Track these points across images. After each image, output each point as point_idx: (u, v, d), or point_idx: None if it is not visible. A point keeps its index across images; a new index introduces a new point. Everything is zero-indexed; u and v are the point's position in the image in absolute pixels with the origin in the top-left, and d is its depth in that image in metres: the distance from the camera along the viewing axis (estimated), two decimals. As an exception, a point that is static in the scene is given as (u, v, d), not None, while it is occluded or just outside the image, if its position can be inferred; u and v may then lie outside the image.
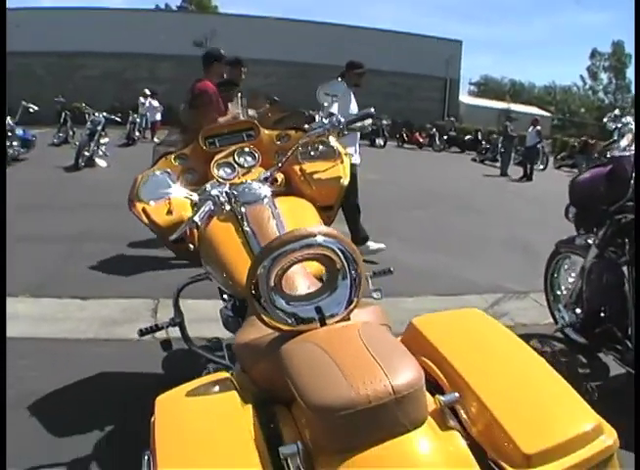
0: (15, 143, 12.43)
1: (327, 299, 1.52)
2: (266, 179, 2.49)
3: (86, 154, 12.41)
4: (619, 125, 3.55)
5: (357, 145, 6.06)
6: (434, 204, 6.25)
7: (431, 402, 1.37)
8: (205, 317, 3.50)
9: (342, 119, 2.66)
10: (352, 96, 6.05)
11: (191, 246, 2.56)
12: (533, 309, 4.70)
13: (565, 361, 3.74)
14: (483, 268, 5.74)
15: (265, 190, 2.36)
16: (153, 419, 1.41)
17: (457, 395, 1.36)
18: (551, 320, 4.19)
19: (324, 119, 2.68)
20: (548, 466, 1.20)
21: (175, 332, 2.59)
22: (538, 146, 16.01)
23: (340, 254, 1.50)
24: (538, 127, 16.40)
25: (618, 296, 3.33)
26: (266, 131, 2.87)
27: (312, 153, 2.71)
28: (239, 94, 6.02)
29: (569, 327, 3.81)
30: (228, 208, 2.34)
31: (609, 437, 1.27)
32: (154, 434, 1.35)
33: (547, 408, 1.32)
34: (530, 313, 4.64)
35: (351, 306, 1.54)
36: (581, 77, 55.82)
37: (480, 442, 1.31)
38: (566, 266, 4.09)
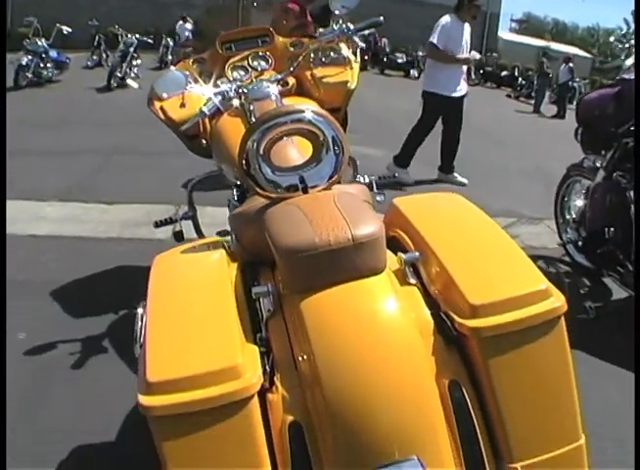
0: (49, 65, 12.56)
1: (311, 171, 1.67)
2: (277, 82, 2.62)
3: (118, 75, 12.52)
4: (627, 46, 3.51)
5: (463, 78, 6.09)
6: (462, 135, 6.29)
7: (394, 261, 1.52)
8: (220, 223, 3.67)
9: (352, 26, 2.74)
10: (467, 28, 6.07)
11: (204, 141, 2.74)
12: (545, 235, 4.76)
13: (567, 282, 3.82)
14: (502, 195, 5.73)
15: (274, 88, 2.50)
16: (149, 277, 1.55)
17: (417, 254, 1.50)
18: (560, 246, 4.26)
19: (334, 26, 2.77)
20: (493, 318, 1.30)
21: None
22: (571, 84, 15.70)
23: (326, 131, 1.64)
24: (570, 65, 16.03)
25: (622, 218, 3.35)
26: (280, 38, 2.98)
27: (323, 59, 2.84)
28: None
29: (571, 244, 3.87)
30: (237, 103, 2.50)
31: (556, 300, 1.36)
32: (148, 290, 1.48)
33: (499, 270, 1.43)
34: (542, 238, 4.70)
35: (333, 180, 1.68)
36: (625, 21, 53.42)
37: (436, 298, 1.44)
38: (576, 190, 4.11)
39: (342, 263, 1.35)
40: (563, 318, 1.36)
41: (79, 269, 3.60)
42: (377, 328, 1.31)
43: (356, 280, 1.35)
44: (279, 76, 2.66)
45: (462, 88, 5.98)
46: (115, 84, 12.34)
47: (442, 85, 5.90)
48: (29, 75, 11.78)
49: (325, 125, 1.64)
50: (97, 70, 15.09)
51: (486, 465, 1.32)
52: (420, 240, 1.55)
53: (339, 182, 1.76)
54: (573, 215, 4.06)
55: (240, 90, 2.52)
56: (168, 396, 1.17)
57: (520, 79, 18.91)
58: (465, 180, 6.21)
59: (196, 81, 2.69)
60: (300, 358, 1.33)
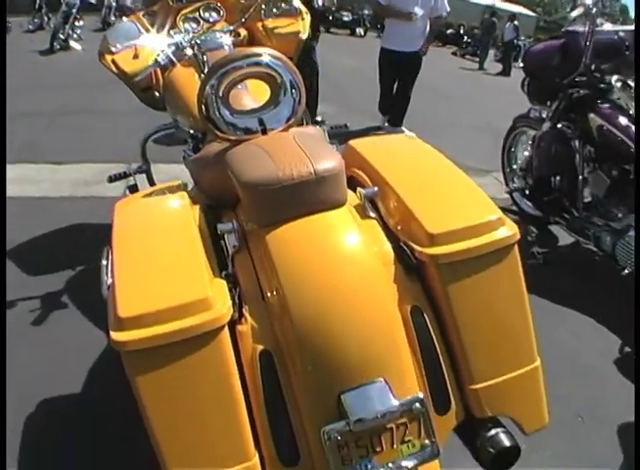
0: (-12, 29, 12.07)
1: (269, 113, 1.70)
2: (230, 33, 2.61)
3: (61, 37, 12.11)
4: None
5: (419, 34, 6.11)
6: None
7: (354, 198, 1.58)
8: (174, 178, 3.67)
9: None
10: None
11: (156, 93, 2.73)
12: (492, 186, 4.86)
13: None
14: (449, 149, 5.75)
15: (227, 39, 2.51)
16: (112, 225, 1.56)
17: (376, 189, 1.56)
18: (508, 196, 4.35)
19: None
20: (450, 246, 1.38)
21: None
22: (516, 42, 15.91)
23: (283, 74, 1.67)
24: (515, 23, 16.22)
25: (568, 166, 3.47)
26: None
27: (274, 10, 2.84)
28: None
29: (517, 192, 3.98)
30: (190, 53, 2.49)
31: (509, 230, 1.44)
32: (112, 234, 1.49)
33: (455, 202, 1.50)
34: (489, 189, 4.70)
35: (291, 122, 1.72)
36: (571, -20, 53.75)
37: (395, 230, 1.51)
38: (522, 141, 4.20)
39: (305, 197, 1.40)
40: (516, 247, 1.44)
41: (33, 229, 3.56)
42: (340, 258, 1.37)
43: (319, 213, 1.41)
44: (231, 28, 2.65)
45: (416, 44, 6.05)
46: (58, 47, 11.94)
47: (395, 41, 6.04)
48: (-33, 41, 11.32)
49: (282, 69, 1.67)
50: (39, 34, 14.54)
51: (448, 386, 1.41)
52: (377, 177, 1.60)
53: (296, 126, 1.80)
54: (520, 165, 4.15)
55: (193, 41, 2.51)
56: (140, 330, 1.20)
57: (465, 38, 19.04)
58: (412, 134, 6.27)
59: (148, 33, 2.68)
60: (268, 290, 1.38)
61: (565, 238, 3.76)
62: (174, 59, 2.53)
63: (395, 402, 1.27)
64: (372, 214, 1.55)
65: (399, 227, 1.50)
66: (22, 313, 2.73)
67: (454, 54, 17.40)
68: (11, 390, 2.25)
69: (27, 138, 5.48)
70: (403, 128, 6.42)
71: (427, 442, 1.32)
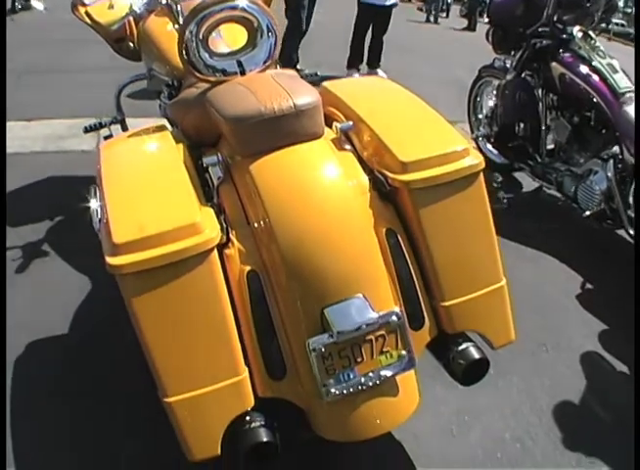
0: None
1: (247, 55, 1.79)
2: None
3: (23, -4, 11.79)
4: None
5: None
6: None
7: (330, 133, 1.67)
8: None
9: None
10: None
11: (131, 44, 2.76)
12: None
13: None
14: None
15: None
16: (98, 164, 1.62)
17: (351, 123, 1.65)
18: (474, 145, 4.46)
19: None
20: (421, 172, 1.49)
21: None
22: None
23: (260, 18, 1.74)
24: None
25: (531, 114, 3.57)
26: None
27: None
28: None
29: (483, 138, 4.08)
30: (164, 2, 2.52)
31: (475, 159, 1.55)
32: (99, 172, 1.56)
33: (425, 133, 1.61)
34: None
35: (267, 63, 1.81)
36: None
37: (369, 161, 1.61)
38: (488, 91, 4.27)
39: (286, 129, 1.50)
40: (481, 175, 1.56)
41: (9, 183, 3.54)
42: (319, 185, 1.47)
43: (299, 144, 1.51)
44: None
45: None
46: (20, 6, 11.56)
47: None
48: None
49: (259, 13, 1.74)
50: (-1, -6, 14.14)
51: (422, 303, 1.53)
52: (351, 113, 1.70)
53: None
54: (486, 113, 4.22)
55: None
56: (134, 254, 1.28)
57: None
58: (384, 75, 6.69)
59: None
60: (253, 216, 1.48)
61: (529, 184, 3.88)
62: (149, 8, 2.56)
63: (374, 315, 1.39)
64: (347, 147, 1.65)
65: (373, 158, 1.60)
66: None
67: (420, 9, 17.21)
68: None
69: (-7, 97, 5.41)
70: (379, 70, 6.90)
71: (403, 352, 1.44)
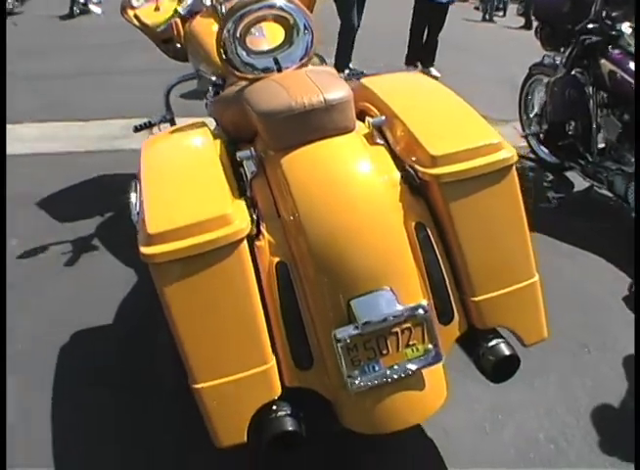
0: (8, -4, 12.17)
1: (284, 53, 1.83)
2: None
3: (81, 1, 12.14)
4: None
5: None
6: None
7: (363, 128, 1.68)
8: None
9: None
10: None
11: (178, 45, 2.83)
12: (512, 136, 4.81)
13: (533, 176, 4.01)
14: (469, 98, 5.81)
15: None
16: (140, 159, 1.67)
17: (384, 118, 1.66)
18: (526, 144, 4.34)
19: None
20: (451, 166, 1.48)
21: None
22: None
23: (296, 16, 1.77)
24: None
25: (582, 112, 3.48)
26: None
27: None
28: None
29: (533, 136, 4.01)
30: (209, 3, 2.58)
31: (507, 152, 1.53)
32: (140, 167, 1.62)
33: (457, 128, 1.60)
34: (508, 138, 4.78)
35: (304, 61, 1.85)
36: None
37: (401, 155, 1.61)
38: (539, 88, 4.20)
39: (316, 123, 1.52)
40: (514, 168, 1.54)
41: (63, 181, 3.71)
42: (349, 178, 1.48)
43: (329, 138, 1.53)
44: None
45: None
46: (78, 11, 11.94)
47: None
48: (-11, 8, 11.44)
49: (296, 11, 1.78)
50: (58, -1, 14.65)
51: (451, 298, 1.52)
52: (385, 108, 1.70)
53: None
54: (536, 111, 4.14)
55: None
56: (167, 244, 1.33)
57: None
58: (438, 74, 6.81)
59: None
60: (283, 209, 1.50)
61: (581, 184, 3.78)
62: (195, 9, 2.63)
63: (400, 307, 1.40)
64: (379, 141, 1.66)
65: (405, 152, 1.60)
66: (53, 256, 2.90)
67: (477, 9, 16.96)
68: (41, 320, 2.45)
69: (53, 98, 5.60)
70: (432, 69, 6.89)
71: (430, 346, 1.44)
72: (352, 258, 1.41)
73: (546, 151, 3.99)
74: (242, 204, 1.49)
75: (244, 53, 1.80)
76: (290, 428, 1.38)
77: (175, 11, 2.52)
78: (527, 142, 4.19)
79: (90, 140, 4.45)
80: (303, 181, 1.48)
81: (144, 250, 1.34)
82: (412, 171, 1.54)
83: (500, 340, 1.54)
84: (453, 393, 1.95)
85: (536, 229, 3.14)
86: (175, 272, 1.34)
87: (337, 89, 1.56)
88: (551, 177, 4.02)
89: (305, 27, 1.81)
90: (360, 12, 6.57)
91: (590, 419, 1.99)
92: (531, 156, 4.24)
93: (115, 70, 6.56)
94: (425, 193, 1.54)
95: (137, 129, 2.89)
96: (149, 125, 2.90)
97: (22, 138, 4.61)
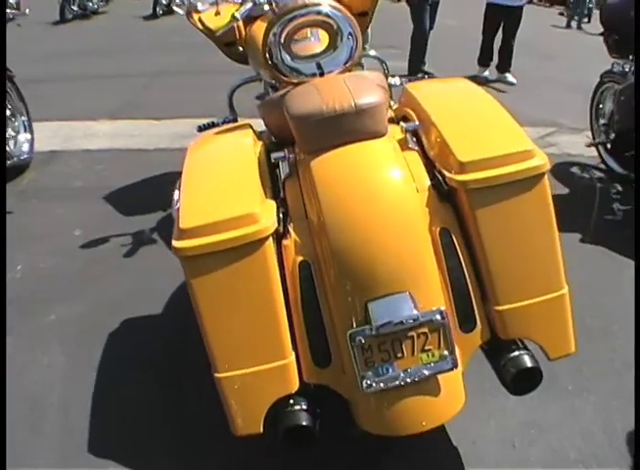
0: (93, -4, 12.77)
1: (328, 57, 1.87)
2: (308, -13, 2.74)
3: (164, 2, 12.56)
4: None
5: None
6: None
7: (398, 132, 1.70)
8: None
9: None
10: None
11: (240, 48, 2.91)
12: (583, 144, 4.74)
13: (600, 187, 3.89)
14: (544, 106, 5.67)
15: None
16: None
17: (417, 123, 1.68)
18: (596, 154, 4.22)
19: None
20: (478, 173, 1.46)
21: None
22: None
23: (340, 23, 1.82)
24: None
25: None
26: None
27: None
28: None
29: (599, 145, 3.89)
30: (267, 7, 2.65)
31: (539, 160, 1.49)
32: (184, 165, 1.69)
33: (490, 134, 1.57)
34: (579, 146, 4.59)
35: (348, 65, 1.88)
36: None
37: (433, 160, 1.62)
38: (609, 96, 4.09)
39: (346, 127, 1.55)
40: (545, 177, 1.50)
41: (131, 176, 3.88)
42: (375, 182, 1.50)
43: (359, 142, 1.55)
44: None
45: None
46: (161, 12, 12.41)
47: None
48: (75, 8, 12.05)
49: (340, 18, 1.83)
50: (143, 0, 15.17)
51: (474, 305, 1.52)
52: (422, 112, 1.71)
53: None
54: (604, 120, 4.05)
55: None
56: (196, 239, 1.39)
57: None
58: (514, 80, 6.78)
59: None
60: (310, 210, 1.55)
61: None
62: (253, 13, 2.70)
63: (415, 312, 1.41)
64: (413, 146, 1.67)
65: (437, 157, 1.61)
66: (114, 248, 3.04)
67: (561, 14, 16.50)
68: (100, 305, 2.59)
69: (129, 97, 5.85)
70: (508, 75, 6.82)
71: (445, 353, 1.43)
72: (372, 261, 1.43)
73: (614, 161, 3.87)
74: (272, 203, 1.54)
75: (288, 57, 1.86)
76: (303, 422, 1.42)
77: (233, 16, 2.59)
78: (598, 152, 4.07)
79: (162, 138, 4.62)
80: (330, 183, 1.51)
81: (175, 243, 1.41)
82: (440, 177, 1.54)
83: (523, 351, 1.52)
84: (487, 405, 1.94)
85: (596, 241, 3.09)
86: (203, 266, 1.41)
87: (369, 94, 1.58)
88: (618, 188, 3.90)
89: (350, 34, 1.85)
90: (433, 15, 6.58)
91: (625, 442, 1.91)
92: (602, 166, 4.12)
93: (195, 69, 6.77)
94: (454, 199, 1.54)
95: (201, 129, 2.97)
96: (213, 125, 2.98)
97: (98, 134, 4.85)
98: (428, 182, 1.57)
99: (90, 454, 1.91)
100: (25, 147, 4.14)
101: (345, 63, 1.88)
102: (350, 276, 1.44)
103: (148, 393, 2.15)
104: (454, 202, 1.55)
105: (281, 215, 1.52)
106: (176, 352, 2.31)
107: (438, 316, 1.42)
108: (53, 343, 2.41)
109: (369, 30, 5.30)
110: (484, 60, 6.97)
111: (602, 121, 4.01)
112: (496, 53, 6.91)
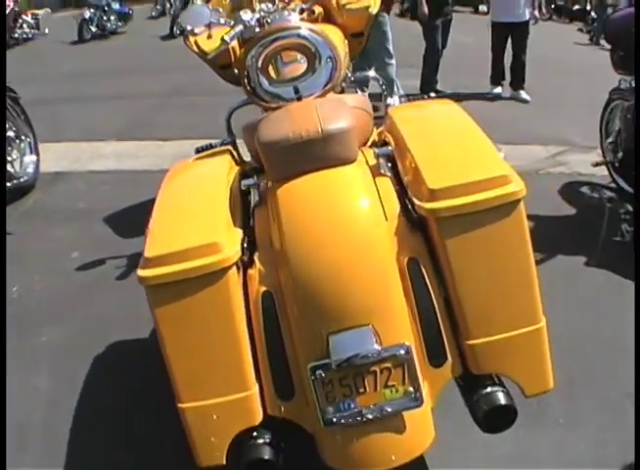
0: (112, 17, 13.05)
1: (306, 81, 1.84)
2: (302, 11, 2.71)
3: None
4: None
5: (524, 4, 6.61)
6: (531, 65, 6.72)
7: (371, 157, 1.66)
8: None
9: None
10: None
11: (235, 70, 2.90)
12: (586, 164, 4.65)
13: (609, 207, 3.80)
14: (557, 123, 5.57)
15: (294, 17, 2.59)
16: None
17: (390, 148, 1.63)
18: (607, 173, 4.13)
19: None
20: (449, 200, 1.39)
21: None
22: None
23: (319, 47, 1.79)
24: None
25: None
26: None
27: None
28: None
29: (606, 164, 3.81)
30: (258, 30, 2.63)
31: (514, 187, 1.40)
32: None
33: (464, 159, 1.50)
34: (590, 166, 4.60)
35: (327, 88, 1.84)
36: None
37: (406, 186, 1.56)
38: (619, 114, 3.99)
39: (314, 154, 1.51)
40: (521, 204, 1.42)
41: (133, 198, 3.87)
42: (341, 210, 1.46)
43: (327, 169, 1.51)
44: (304, 6, 2.75)
45: (523, 14, 6.58)
46: (178, 32, 12.51)
47: (502, 13, 6.62)
48: (93, 29, 12.32)
49: (318, 42, 1.81)
50: (161, 20, 15.28)
51: (444, 339, 1.45)
52: (399, 137, 1.65)
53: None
54: (611, 138, 3.93)
55: (263, 20, 2.64)
56: (160, 268, 1.37)
57: (592, 13, 17.76)
58: (528, 97, 6.72)
59: (228, 16, 2.84)
60: (274, 238, 1.50)
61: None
62: (246, 37, 2.68)
63: (377, 347, 1.35)
64: (385, 172, 1.61)
65: (410, 183, 1.55)
66: (108, 270, 3.03)
67: (580, 30, 16.35)
68: (89, 328, 2.60)
69: (137, 118, 5.89)
70: (522, 92, 6.76)
71: (410, 389, 1.37)
72: (335, 293, 1.38)
73: (624, 180, 3.78)
74: (237, 232, 1.50)
75: (265, 81, 1.83)
76: (266, 456, 1.38)
77: (222, 39, 2.58)
78: (608, 171, 3.98)
79: (166, 159, 4.61)
80: (294, 211, 1.47)
81: (139, 272, 1.39)
82: (410, 205, 1.49)
83: (497, 388, 1.44)
84: (471, 437, 1.86)
85: (602, 264, 3.00)
86: (166, 295, 1.38)
87: (338, 119, 1.54)
88: (630, 208, 3.80)
89: (330, 57, 1.82)
90: (446, 34, 6.56)
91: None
92: (612, 185, 4.03)
93: (207, 90, 6.75)
94: (423, 227, 1.48)
95: (198, 151, 2.96)
96: (210, 147, 2.97)
97: (105, 154, 4.90)
98: (398, 210, 1.51)
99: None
100: (31, 168, 4.19)
101: (325, 85, 1.86)
102: (312, 307, 1.39)
103: (131, 420, 2.12)
104: (425, 230, 1.49)
105: (246, 244, 1.49)
106: (160, 379, 2.26)
107: (402, 351, 1.37)
108: (42, 365, 2.42)
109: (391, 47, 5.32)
110: (496, 77, 6.96)
111: (609, 140, 3.91)
112: (508, 70, 6.88)
